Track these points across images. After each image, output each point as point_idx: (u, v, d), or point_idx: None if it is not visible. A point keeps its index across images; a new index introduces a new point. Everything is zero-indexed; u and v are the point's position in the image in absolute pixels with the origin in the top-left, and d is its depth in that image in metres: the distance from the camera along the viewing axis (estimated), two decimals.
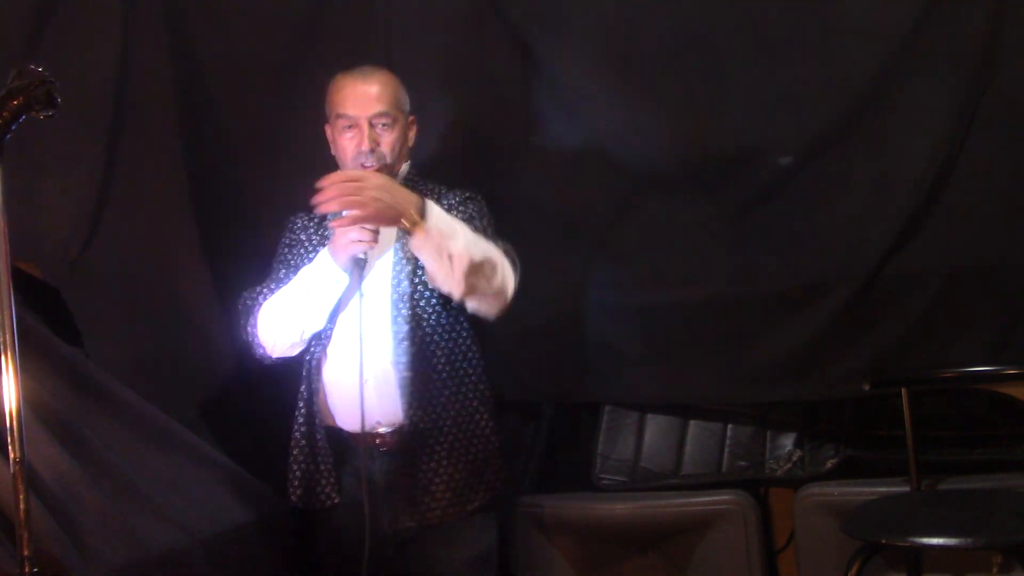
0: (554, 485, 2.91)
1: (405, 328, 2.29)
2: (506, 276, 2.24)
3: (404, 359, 2.28)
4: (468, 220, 2.31)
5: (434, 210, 2.12)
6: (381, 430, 2.31)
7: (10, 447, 1.59)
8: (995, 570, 2.43)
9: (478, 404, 2.36)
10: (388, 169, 2.32)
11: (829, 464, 2.72)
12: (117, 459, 2.25)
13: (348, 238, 2.17)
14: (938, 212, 2.58)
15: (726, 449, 2.84)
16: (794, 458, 2.77)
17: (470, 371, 2.37)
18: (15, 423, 1.58)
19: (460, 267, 2.12)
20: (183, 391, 2.69)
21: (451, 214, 2.26)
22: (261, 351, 2.38)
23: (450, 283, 2.16)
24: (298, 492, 2.39)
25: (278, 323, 2.33)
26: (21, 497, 1.58)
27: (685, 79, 2.73)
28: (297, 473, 2.39)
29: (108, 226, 2.61)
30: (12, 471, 1.58)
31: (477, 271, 2.15)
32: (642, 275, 2.80)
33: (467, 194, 2.41)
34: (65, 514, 2.00)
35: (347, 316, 2.34)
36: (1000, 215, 2.57)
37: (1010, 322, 2.56)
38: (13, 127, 1.59)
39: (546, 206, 2.84)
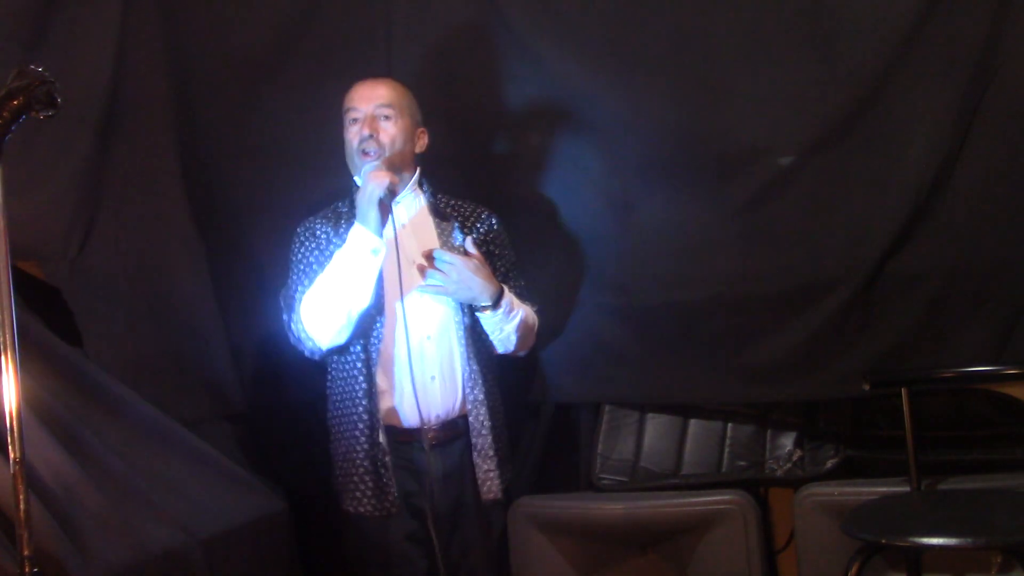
0: (554, 485, 2.91)
1: (468, 322, 2.49)
2: (532, 334, 2.62)
3: (470, 352, 2.48)
4: (503, 254, 2.60)
5: (506, 298, 2.49)
6: (433, 424, 2.46)
7: (10, 447, 1.59)
8: (995, 570, 2.43)
9: (500, 397, 2.58)
10: (388, 162, 2.44)
11: (829, 464, 2.72)
12: (117, 459, 2.25)
13: (367, 187, 2.36)
14: (938, 212, 2.58)
15: (726, 449, 2.83)
16: (794, 458, 2.77)
17: (495, 367, 2.60)
18: (15, 423, 1.59)
19: (512, 341, 2.54)
20: (183, 391, 2.68)
21: (483, 247, 2.52)
22: (311, 344, 2.46)
23: (499, 344, 2.56)
24: (369, 503, 2.44)
25: (323, 309, 2.40)
26: (21, 497, 1.58)
27: (685, 79, 2.73)
28: (367, 482, 2.44)
29: (105, 225, 2.60)
30: (12, 471, 1.58)
31: (522, 340, 2.57)
32: (642, 275, 2.80)
33: (493, 220, 2.62)
34: (65, 514, 2.01)
35: (396, 316, 2.45)
36: (1000, 215, 2.56)
37: (1010, 322, 2.55)
38: (13, 127, 1.59)
39: (546, 206, 2.84)
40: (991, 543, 2.16)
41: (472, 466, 2.50)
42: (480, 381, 2.48)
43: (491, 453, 2.48)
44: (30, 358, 1.97)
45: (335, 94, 2.87)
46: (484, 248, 2.55)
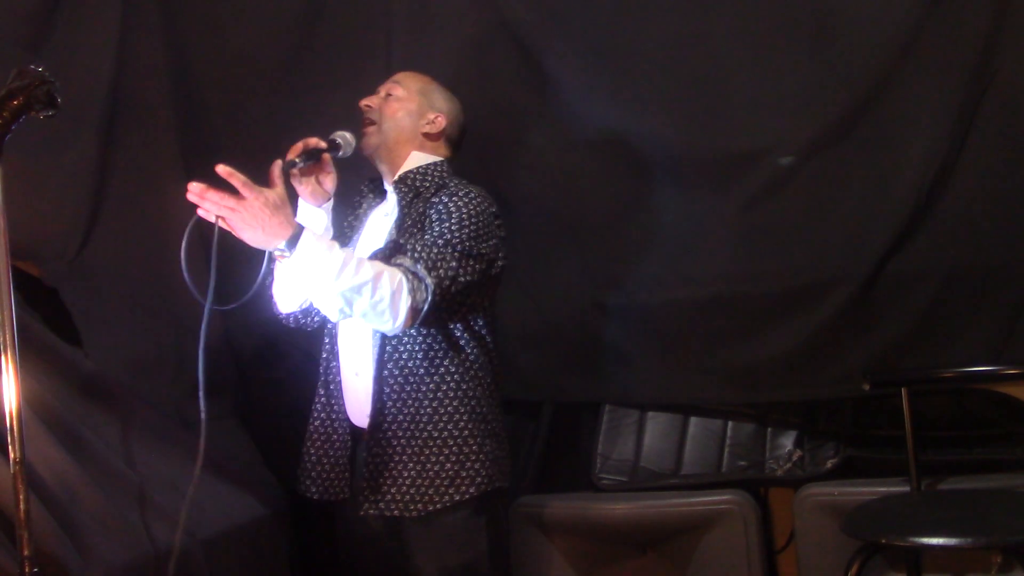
0: (554, 485, 2.91)
1: None
2: (391, 305, 2.10)
3: (377, 353, 2.27)
4: (433, 223, 2.23)
5: (305, 246, 2.04)
6: (366, 424, 2.31)
7: (10, 447, 1.59)
8: (995, 570, 2.42)
9: (458, 404, 2.26)
10: (380, 135, 2.37)
11: (829, 464, 2.72)
12: (117, 459, 2.25)
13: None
14: (938, 212, 2.58)
15: (726, 449, 2.83)
16: (794, 458, 2.77)
17: (453, 371, 2.28)
18: (15, 423, 1.58)
19: (323, 300, 2.10)
20: (183, 391, 2.68)
21: (427, 211, 2.26)
22: (281, 313, 2.42)
23: (327, 309, 2.14)
24: (311, 486, 2.38)
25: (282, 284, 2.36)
26: (21, 497, 1.58)
27: (685, 79, 2.73)
28: (309, 465, 2.38)
29: (105, 226, 2.60)
30: (12, 471, 1.58)
31: (343, 302, 2.08)
32: (642, 275, 2.80)
33: (468, 193, 2.29)
34: (65, 514, 2.00)
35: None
36: (1000, 215, 2.56)
37: (1010, 322, 2.55)
38: (13, 127, 1.60)
39: (546, 206, 2.84)
40: (991, 543, 2.17)
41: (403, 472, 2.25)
42: (403, 379, 2.25)
43: (383, 475, 2.24)
44: (30, 358, 1.97)
45: (334, 93, 2.87)
46: (417, 216, 2.27)
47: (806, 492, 2.62)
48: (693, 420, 2.88)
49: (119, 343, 2.55)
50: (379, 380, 2.27)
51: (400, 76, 2.47)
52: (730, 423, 2.85)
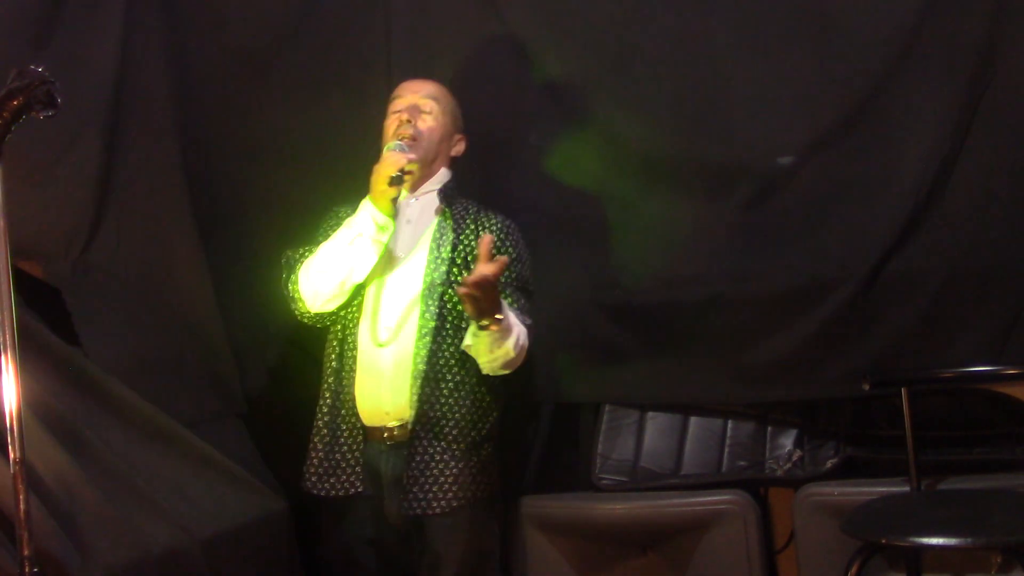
0: (554, 485, 2.90)
1: (431, 324, 2.38)
2: (523, 354, 2.42)
3: (423, 353, 2.36)
4: (515, 263, 2.48)
5: (507, 317, 2.30)
6: (390, 424, 2.37)
7: (10, 447, 1.59)
8: (995, 570, 2.43)
9: (482, 414, 2.45)
10: (421, 150, 2.47)
11: (829, 464, 2.72)
12: (117, 459, 2.25)
13: (381, 164, 2.36)
14: (938, 212, 2.58)
15: (726, 449, 2.83)
16: (794, 458, 2.77)
17: (487, 383, 2.45)
18: (15, 423, 1.59)
19: (499, 361, 2.35)
20: (183, 391, 2.68)
21: (495, 245, 2.40)
22: (301, 305, 2.46)
23: (484, 364, 2.37)
24: (313, 479, 2.42)
25: (321, 274, 2.40)
26: (21, 497, 1.58)
27: (685, 79, 2.73)
28: (316, 462, 2.42)
29: (108, 226, 2.60)
30: (12, 471, 1.59)
31: (511, 364, 2.39)
32: (642, 275, 2.80)
33: (507, 225, 2.54)
34: (65, 514, 2.01)
35: (368, 305, 2.43)
36: (1000, 215, 2.56)
37: (1010, 322, 2.55)
38: (14, 127, 1.60)
39: (546, 206, 2.84)
40: (991, 543, 2.17)
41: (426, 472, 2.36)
42: (436, 383, 2.37)
43: (413, 475, 2.34)
44: (30, 358, 1.97)
45: (335, 94, 2.87)
46: (472, 237, 2.49)
47: (806, 492, 2.62)
48: (693, 420, 2.88)
49: (119, 343, 2.55)
50: (417, 379, 2.35)
51: (435, 91, 2.58)
52: (730, 423, 2.85)
